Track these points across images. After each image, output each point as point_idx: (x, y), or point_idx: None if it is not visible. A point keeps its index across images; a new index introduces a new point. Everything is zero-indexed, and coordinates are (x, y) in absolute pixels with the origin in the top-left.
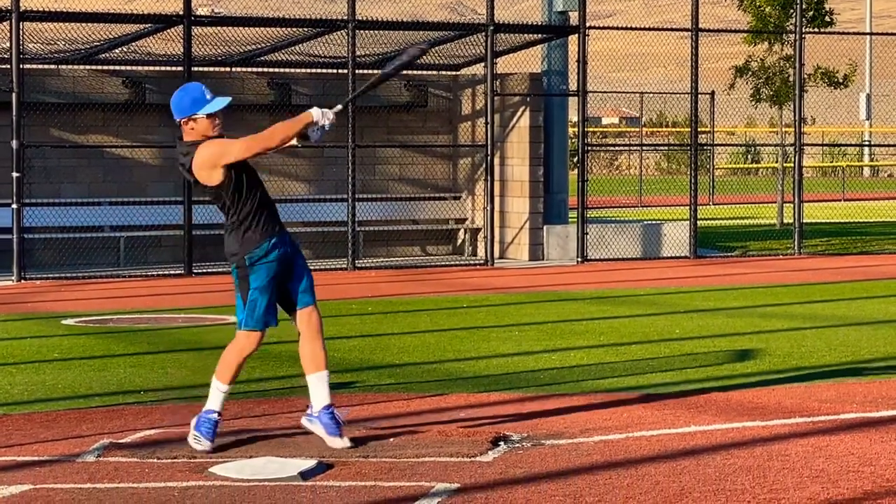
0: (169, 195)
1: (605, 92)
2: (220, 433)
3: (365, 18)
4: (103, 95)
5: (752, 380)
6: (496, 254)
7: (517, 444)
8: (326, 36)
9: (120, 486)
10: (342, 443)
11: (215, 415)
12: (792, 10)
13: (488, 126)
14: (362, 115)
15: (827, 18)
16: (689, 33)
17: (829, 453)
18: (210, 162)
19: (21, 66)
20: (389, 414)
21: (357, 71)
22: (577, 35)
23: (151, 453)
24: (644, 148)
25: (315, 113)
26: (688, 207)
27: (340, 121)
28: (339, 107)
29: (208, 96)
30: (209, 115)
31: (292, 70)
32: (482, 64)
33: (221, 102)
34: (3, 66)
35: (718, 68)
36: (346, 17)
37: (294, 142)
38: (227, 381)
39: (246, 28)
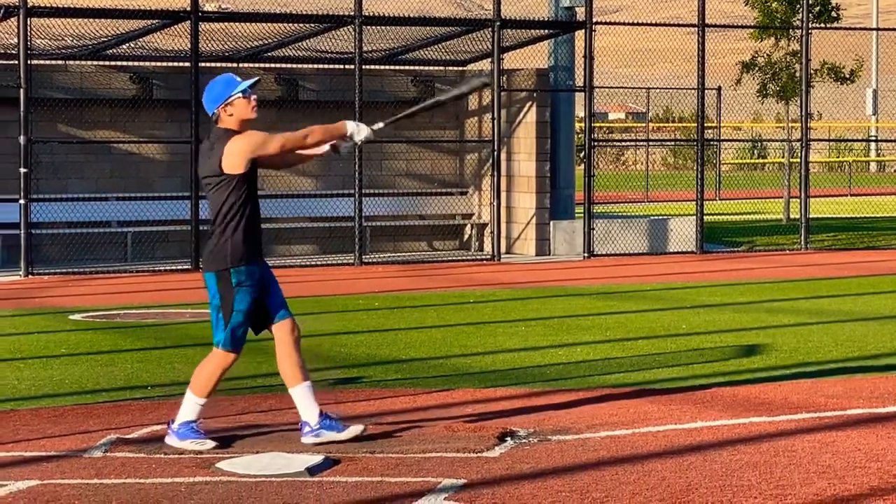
0: (176, 190)
1: (611, 87)
2: (228, 428)
3: (372, 14)
4: (111, 91)
5: (758, 375)
6: (503, 249)
7: (524, 440)
8: (333, 31)
9: (127, 481)
10: (356, 429)
11: (195, 424)
12: (798, 6)
13: (495, 121)
14: (369, 111)
15: (833, 14)
16: (696, 29)
17: (835, 449)
18: (249, 149)
19: (29, 61)
20: (396, 409)
21: (364, 66)
22: (583, 31)
23: (158, 449)
24: (650, 143)
25: (350, 126)
26: (694, 203)
27: (348, 116)
28: (381, 125)
29: (238, 79)
30: (244, 94)
31: (299, 66)
32: (489, 59)
33: (251, 81)
34: (11, 62)
35: (725, 64)
36: (353, 13)
37: (322, 149)
38: (204, 394)
39: (253, 24)
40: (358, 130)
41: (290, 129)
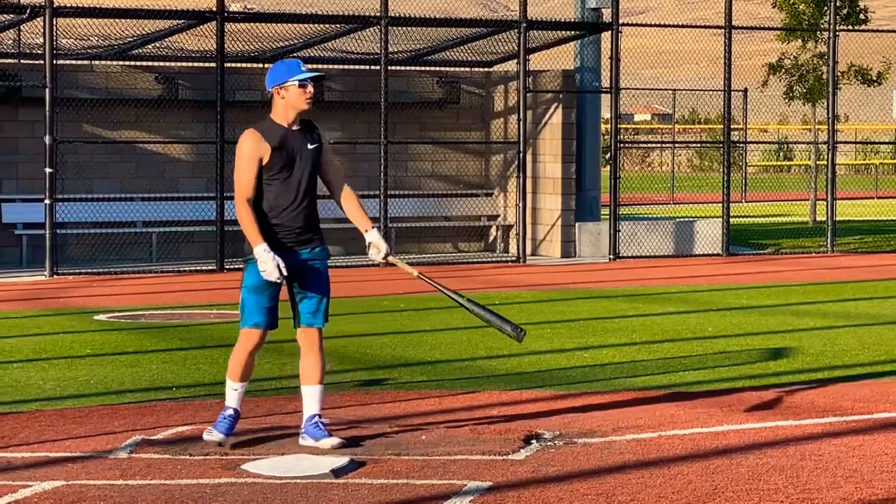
0: (201, 191)
1: (637, 89)
2: (252, 430)
3: (398, 15)
4: (136, 91)
5: (784, 378)
6: (528, 251)
7: (549, 443)
8: (359, 32)
9: (152, 482)
10: (331, 442)
11: (230, 410)
12: (826, 8)
13: (521, 123)
14: (395, 112)
15: (861, 16)
16: (723, 30)
17: (862, 453)
18: (237, 162)
19: (54, 61)
20: (421, 411)
21: (389, 67)
22: (609, 32)
23: (184, 450)
24: (676, 145)
25: (257, 251)
26: (720, 205)
27: (373, 117)
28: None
29: (304, 68)
30: (301, 84)
31: (325, 66)
32: (515, 60)
33: (313, 74)
34: (37, 62)
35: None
36: (378, 14)
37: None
38: (236, 377)
39: (278, 24)
40: (264, 262)
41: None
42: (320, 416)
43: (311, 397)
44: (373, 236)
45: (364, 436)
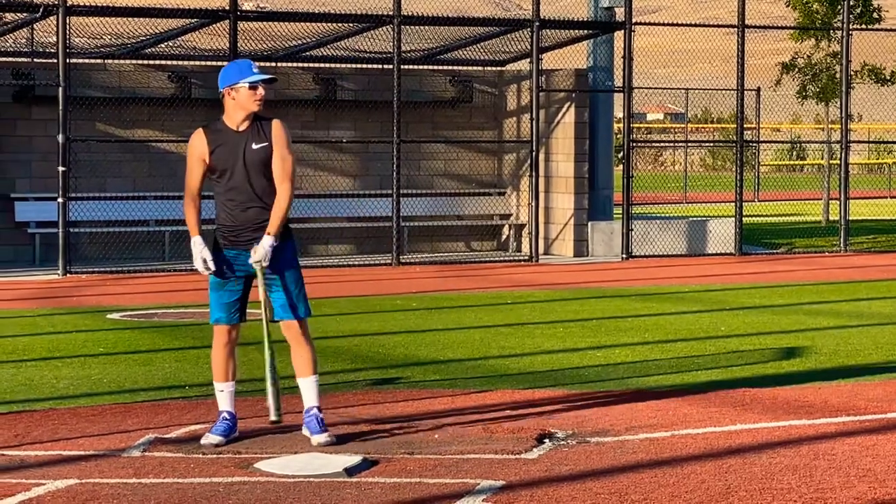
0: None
1: (650, 88)
2: (265, 429)
3: (410, 14)
4: (149, 90)
5: (798, 378)
6: (541, 250)
7: (562, 442)
8: (372, 31)
9: (165, 480)
10: (318, 438)
11: (223, 413)
12: (839, 7)
13: (533, 122)
14: (407, 111)
15: (875, 15)
16: (736, 29)
17: (876, 452)
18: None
19: (67, 60)
20: (434, 410)
21: (402, 66)
22: (622, 31)
23: (196, 448)
24: (689, 144)
25: (193, 242)
26: (733, 204)
27: (386, 116)
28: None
29: (255, 69)
30: (251, 86)
31: (338, 65)
32: (527, 60)
33: (262, 76)
34: (50, 61)
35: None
36: (391, 13)
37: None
38: (216, 377)
39: (291, 23)
40: (193, 255)
41: (328, 127)
42: (319, 409)
43: (304, 390)
44: (264, 241)
45: (376, 434)
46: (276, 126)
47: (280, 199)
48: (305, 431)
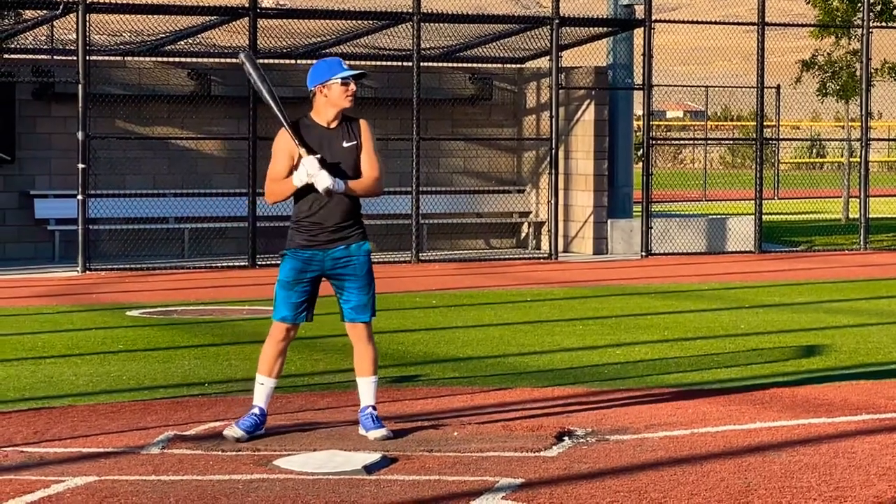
0: (233, 187)
1: (670, 85)
2: (285, 426)
3: (430, 11)
4: (168, 87)
5: (817, 376)
6: (560, 247)
7: (581, 440)
8: (391, 28)
9: (184, 478)
10: (375, 433)
11: (256, 409)
12: (859, 4)
13: (553, 119)
14: (427, 108)
15: (895, 13)
16: (756, 27)
17: None
18: (273, 155)
19: (87, 57)
20: (453, 408)
21: (422, 63)
22: (642, 28)
23: (216, 445)
24: (709, 142)
25: (306, 163)
26: (752, 202)
27: (405, 114)
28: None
29: (345, 66)
30: (343, 82)
31: (358, 62)
32: (547, 57)
33: (354, 72)
34: (70, 58)
35: (784, 62)
36: (411, 10)
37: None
38: (262, 370)
39: (311, 20)
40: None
41: None
42: (374, 408)
43: (362, 389)
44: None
45: (396, 432)
46: (364, 126)
47: (367, 178)
48: (361, 430)
